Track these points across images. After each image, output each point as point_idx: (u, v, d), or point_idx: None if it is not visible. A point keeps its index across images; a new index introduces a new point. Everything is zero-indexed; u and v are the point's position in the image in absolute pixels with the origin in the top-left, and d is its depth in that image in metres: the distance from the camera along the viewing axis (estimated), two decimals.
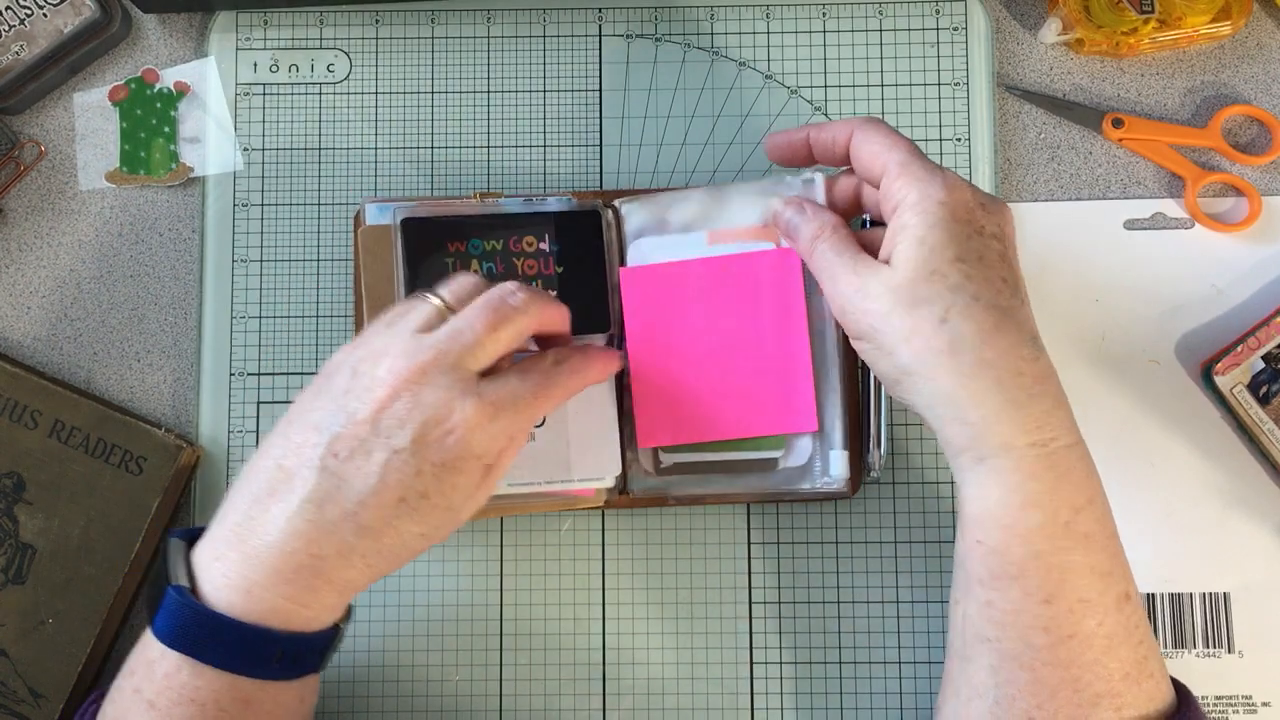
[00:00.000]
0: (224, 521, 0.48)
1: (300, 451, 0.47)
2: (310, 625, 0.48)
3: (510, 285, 0.50)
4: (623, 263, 0.60)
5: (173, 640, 0.46)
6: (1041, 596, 0.47)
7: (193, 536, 0.49)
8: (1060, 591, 0.47)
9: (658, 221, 0.59)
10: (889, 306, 0.48)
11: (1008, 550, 0.47)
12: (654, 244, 0.59)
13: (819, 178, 0.56)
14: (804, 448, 0.57)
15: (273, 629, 0.46)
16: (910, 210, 0.49)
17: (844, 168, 0.55)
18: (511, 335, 0.50)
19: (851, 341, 0.51)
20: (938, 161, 0.65)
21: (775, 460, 0.58)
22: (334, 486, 0.46)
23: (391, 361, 0.47)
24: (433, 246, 0.59)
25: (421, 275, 0.59)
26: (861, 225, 0.56)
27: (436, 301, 0.50)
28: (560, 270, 0.60)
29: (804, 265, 0.56)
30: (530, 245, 0.60)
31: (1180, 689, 0.51)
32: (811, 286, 0.56)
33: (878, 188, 0.52)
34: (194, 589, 0.47)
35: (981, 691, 0.49)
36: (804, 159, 0.55)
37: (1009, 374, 0.48)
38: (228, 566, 0.46)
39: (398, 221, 0.59)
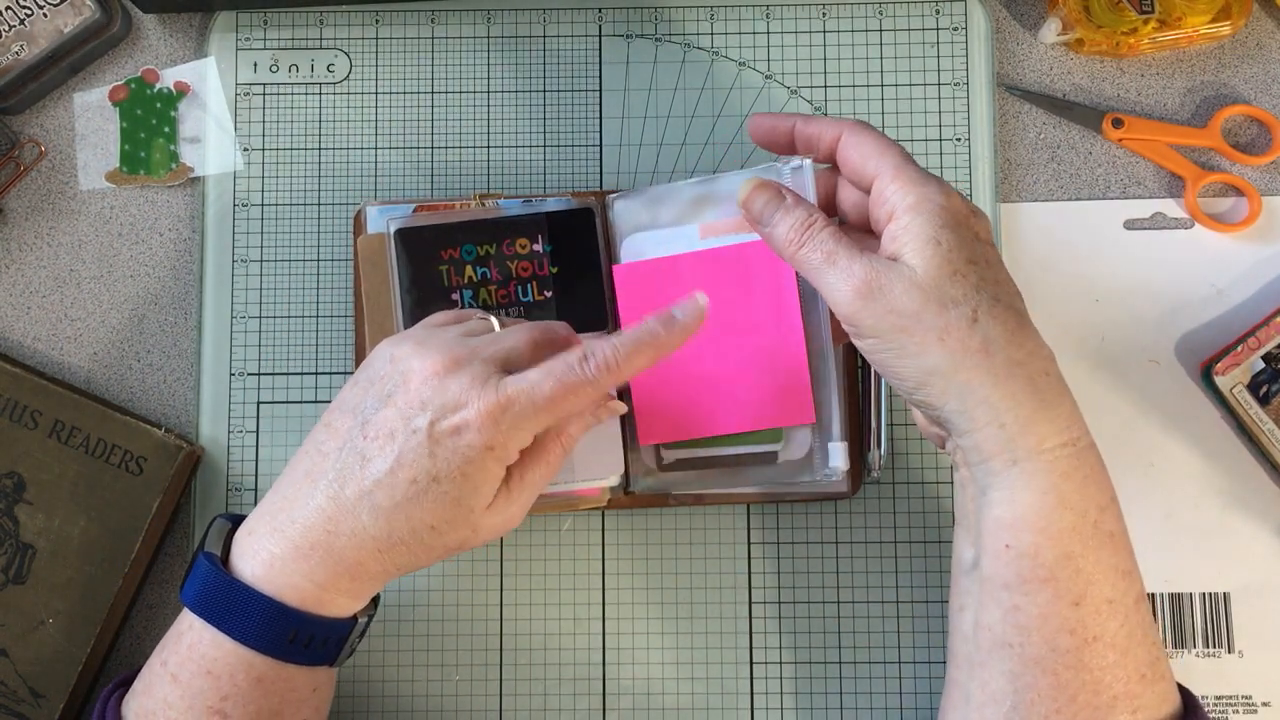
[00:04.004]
0: (265, 502, 0.50)
1: (337, 435, 0.49)
2: (326, 609, 0.48)
3: (565, 325, 0.53)
4: (616, 259, 0.59)
5: (197, 605, 0.48)
6: (1071, 599, 0.47)
7: (238, 520, 0.51)
8: (1088, 593, 0.47)
9: (650, 216, 0.59)
10: (919, 305, 0.47)
11: (1039, 553, 0.47)
12: (647, 239, 0.59)
13: (808, 164, 0.54)
14: (803, 440, 0.57)
15: (289, 605, 0.48)
16: (911, 212, 0.48)
17: (824, 165, 0.54)
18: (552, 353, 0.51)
19: (860, 343, 0.49)
20: (938, 162, 0.65)
21: (775, 454, 0.57)
22: (357, 465, 0.48)
23: (430, 352, 0.49)
24: (427, 254, 0.59)
25: (417, 282, 0.59)
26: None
27: (492, 319, 0.53)
28: (555, 270, 0.60)
29: None
30: (524, 247, 0.60)
31: (1184, 692, 0.51)
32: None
33: (863, 190, 0.51)
34: (227, 562, 0.49)
35: (998, 698, 0.48)
36: (785, 147, 0.54)
37: (1038, 374, 0.48)
38: (256, 540, 0.49)
39: (391, 232, 0.59)
